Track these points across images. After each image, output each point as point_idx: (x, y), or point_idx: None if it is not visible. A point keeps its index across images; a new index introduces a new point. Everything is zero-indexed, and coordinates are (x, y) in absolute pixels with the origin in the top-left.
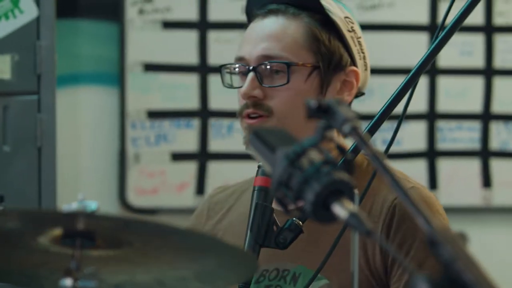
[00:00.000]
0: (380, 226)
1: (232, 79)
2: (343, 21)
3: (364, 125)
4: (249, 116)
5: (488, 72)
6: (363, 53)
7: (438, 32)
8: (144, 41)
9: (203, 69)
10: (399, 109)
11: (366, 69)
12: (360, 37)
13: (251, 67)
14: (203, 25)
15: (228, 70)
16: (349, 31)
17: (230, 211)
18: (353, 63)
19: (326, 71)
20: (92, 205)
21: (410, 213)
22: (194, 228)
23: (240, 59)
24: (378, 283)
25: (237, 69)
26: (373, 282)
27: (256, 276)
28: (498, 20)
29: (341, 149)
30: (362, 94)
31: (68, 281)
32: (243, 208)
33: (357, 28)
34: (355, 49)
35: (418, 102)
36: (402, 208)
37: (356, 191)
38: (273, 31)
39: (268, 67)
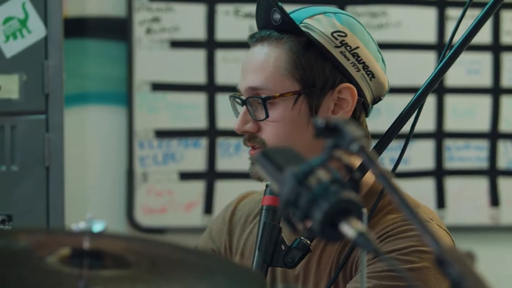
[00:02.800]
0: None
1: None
2: (330, 38)
3: (371, 144)
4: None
5: (496, 91)
6: (362, 63)
7: (445, 51)
8: (152, 60)
9: (211, 88)
10: (406, 128)
11: (373, 77)
12: (357, 47)
13: (243, 100)
14: (210, 44)
15: (233, 100)
16: (337, 46)
17: (252, 226)
18: (347, 78)
19: (312, 95)
20: (100, 224)
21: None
22: (203, 247)
23: (238, 91)
24: None
25: (236, 100)
26: None
27: None
28: (506, 39)
29: (348, 168)
30: (378, 101)
31: None
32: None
33: (351, 39)
34: (348, 64)
35: (426, 121)
36: None
37: (364, 210)
38: (257, 62)
39: (254, 101)
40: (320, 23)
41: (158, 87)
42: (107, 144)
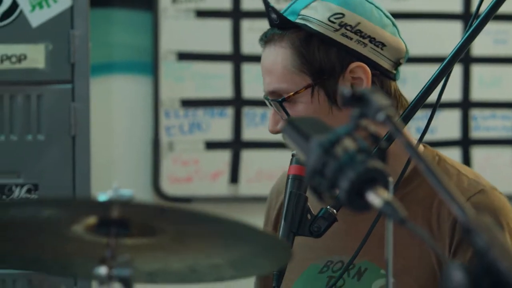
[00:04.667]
0: (447, 245)
1: None
2: (327, 24)
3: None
4: None
5: None
6: (367, 37)
7: (472, 21)
8: (178, 30)
9: (237, 58)
10: (433, 97)
11: (384, 45)
12: (358, 24)
13: (269, 101)
14: (236, 14)
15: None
16: (336, 30)
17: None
18: (356, 57)
19: (325, 84)
20: (126, 193)
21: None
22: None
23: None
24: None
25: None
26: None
27: (320, 265)
28: None
29: (375, 137)
30: (400, 64)
31: (102, 270)
32: None
33: (350, 17)
34: (352, 43)
35: (452, 90)
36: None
37: (390, 179)
38: (268, 65)
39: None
40: (315, 11)
41: (184, 56)
42: (133, 114)
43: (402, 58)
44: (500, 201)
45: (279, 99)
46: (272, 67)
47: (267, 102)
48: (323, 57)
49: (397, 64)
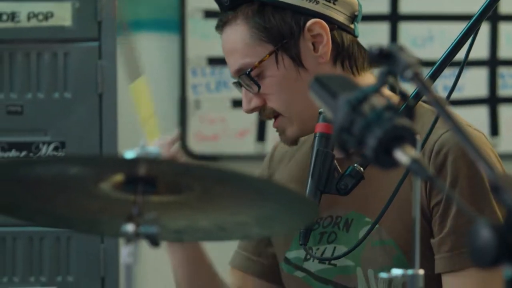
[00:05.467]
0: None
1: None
2: None
3: (425, 72)
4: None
5: None
6: None
7: None
8: None
9: None
10: (460, 55)
11: (336, 0)
12: None
13: (237, 82)
14: None
15: (235, 85)
16: None
17: (290, 162)
18: (311, 15)
19: (287, 47)
20: (153, 150)
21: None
22: (254, 173)
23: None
24: (427, 224)
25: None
26: (425, 223)
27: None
28: None
29: (403, 95)
30: (356, 16)
31: (129, 227)
32: (301, 158)
33: None
34: (304, 2)
35: (480, 48)
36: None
37: (418, 137)
38: (229, 47)
39: (244, 78)
40: None
41: (211, 14)
42: (159, 72)
43: (356, 12)
44: (476, 136)
45: (246, 72)
46: (233, 47)
47: (236, 86)
48: (279, 21)
49: (353, 19)
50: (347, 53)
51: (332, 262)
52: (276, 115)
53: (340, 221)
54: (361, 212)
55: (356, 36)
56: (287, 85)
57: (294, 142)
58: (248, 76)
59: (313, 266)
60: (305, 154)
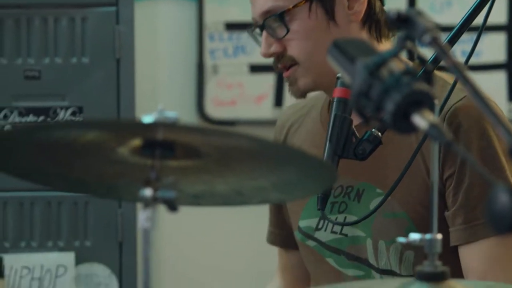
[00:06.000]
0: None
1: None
2: None
3: (443, 37)
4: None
5: None
6: None
7: None
8: None
9: None
10: (478, 20)
11: None
12: None
13: (261, 25)
14: None
15: (252, 33)
16: None
17: (300, 129)
18: None
19: None
20: (171, 115)
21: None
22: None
23: (253, 20)
24: (441, 197)
25: (257, 30)
26: (438, 196)
27: None
28: None
29: (421, 59)
30: None
31: (147, 191)
32: (311, 124)
33: None
34: None
35: (498, 13)
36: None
37: (436, 102)
38: None
39: (272, 21)
40: None
41: None
42: (177, 37)
43: None
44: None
45: (276, 14)
46: None
47: (253, 34)
48: None
49: None
50: (375, 18)
51: (344, 232)
52: (291, 65)
53: (351, 192)
54: (372, 183)
55: (383, 5)
56: (314, 35)
57: (303, 94)
58: (277, 19)
59: (324, 236)
60: (314, 120)
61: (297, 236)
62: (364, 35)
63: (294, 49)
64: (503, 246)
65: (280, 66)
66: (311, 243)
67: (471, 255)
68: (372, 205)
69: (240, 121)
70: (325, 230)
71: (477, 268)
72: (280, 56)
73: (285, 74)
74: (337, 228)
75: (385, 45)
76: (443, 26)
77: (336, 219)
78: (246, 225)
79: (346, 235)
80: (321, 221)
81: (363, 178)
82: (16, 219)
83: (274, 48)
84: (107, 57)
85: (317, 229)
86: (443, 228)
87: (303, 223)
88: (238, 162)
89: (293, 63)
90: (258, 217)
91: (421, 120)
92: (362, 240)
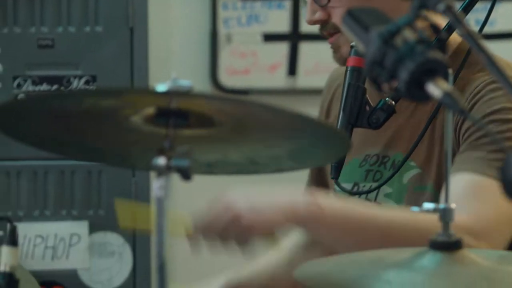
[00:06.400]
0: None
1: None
2: None
3: (457, 5)
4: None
5: None
6: None
7: None
8: None
9: None
10: None
11: None
12: None
13: None
14: None
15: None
16: None
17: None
18: None
19: None
20: (185, 83)
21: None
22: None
23: None
24: None
25: None
26: None
27: (360, 160)
28: None
29: (435, 28)
30: None
31: (161, 160)
32: None
33: None
34: None
35: None
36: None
37: (450, 71)
38: None
39: None
40: None
41: None
42: (191, 6)
43: None
44: (508, 64)
45: None
46: None
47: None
48: None
49: None
50: None
51: (377, 201)
52: (335, 32)
53: (387, 161)
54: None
55: None
56: (356, 3)
57: (346, 61)
58: None
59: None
60: None
61: None
62: (404, 5)
63: (336, 17)
64: (493, 186)
65: (325, 33)
66: None
67: (459, 181)
68: (406, 178)
69: (253, 90)
70: (359, 197)
71: (458, 193)
72: (324, 23)
73: (329, 41)
74: (372, 196)
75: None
76: None
77: (370, 187)
78: None
79: (379, 204)
80: (356, 187)
81: (400, 149)
82: (30, 188)
83: (318, 15)
84: (121, 26)
85: (351, 194)
86: None
87: (338, 187)
88: (252, 131)
89: (336, 31)
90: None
91: (435, 89)
92: None
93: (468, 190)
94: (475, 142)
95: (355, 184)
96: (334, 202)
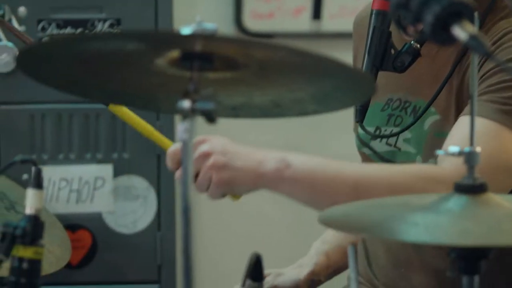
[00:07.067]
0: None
1: None
2: None
3: None
4: None
5: None
6: None
7: None
8: None
9: None
10: None
11: None
12: None
13: None
14: None
15: None
16: None
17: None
18: None
19: None
20: (210, 26)
21: None
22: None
23: None
24: None
25: None
26: None
27: (382, 103)
28: None
29: None
30: None
31: (186, 103)
32: None
33: None
34: None
35: None
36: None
37: (476, 14)
38: None
39: None
40: None
41: None
42: None
43: None
44: None
45: None
46: None
47: None
48: None
49: None
50: None
51: (397, 146)
52: None
53: (408, 106)
54: (428, 101)
55: None
56: None
57: None
58: None
59: (379, 146)
60: None
61: (355, 142)
62: None
63: None
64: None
65: None
66: (366, 150)
67: (463, 124)
68: (426, 124)
69: (277, 34)
70: (380, 141)
71: (458, 134)
72: None
73: None
74: (392, 140)
75: None
76: None
77: (391, 131)
78: (285, 143)
79: (399, 149)
80: (377, 131)
81: (422, 95)
82: (54, 131)
83: None
84: None
85: (373, 138)
86: None
87: (361, 130)
88: (277, 74)
89: None
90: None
91: (460, 32)
92: (412, 156)
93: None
94: (491, 88)
95: (377, 128)
96: (303, 159)
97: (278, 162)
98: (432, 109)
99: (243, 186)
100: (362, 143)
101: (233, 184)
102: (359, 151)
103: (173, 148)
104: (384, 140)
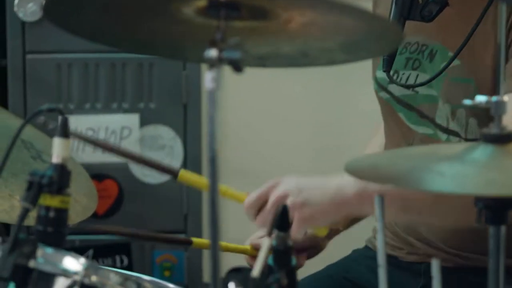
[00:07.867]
0: None
1: None
2: None
3: None
4: None
5: None
6: None
7: None
8: None
9: None
10: None
11: None
12: None
13: None
14: None
15: None
16: None
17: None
18: None
19: None
20: None
21: None
22: None
23: None
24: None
25: None
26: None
27: (400, 47)
28: None
29: None
30: None
31: (213, 52)
32: None
33: None
34: None
35: None
36: None
37: None
38: None
39: None
40: None
41: None
42: None
43: None
44: None
45: None
46: None
47: None
48: None
49: None
50: None
51: (415, 89)
52: None
53: (425, 50)
54: (446, 45)
55: None
56: None
57: None
58: None
59: (397, 89)
60: None
61: (374, 85)
62: None
63: None
64: None
65: None
66: (384, 94)
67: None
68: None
69: None
70: (400, 81)
71: None
72: None
73: None
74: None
75: None
76: None
77: (409, 75)
78: (312, 95)
79: (417, 92)
80: (395, 75)
81: (439, 39)
82: (81, 81)
83: None
84: None
85: (391, 81)
86: None
87: (379, 73)
88: (304, 23)
89: None
90: (324, 88)
91: None
92: (434, 99)
93: None
94: None
95: (396, 71)
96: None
97: (356, 184)
98: (449, 53)
99: (326, 218)
100: (380, 86)
101: (315, 219)
102: (377, 96)
103: (247, 200)
104: (402, 83)
